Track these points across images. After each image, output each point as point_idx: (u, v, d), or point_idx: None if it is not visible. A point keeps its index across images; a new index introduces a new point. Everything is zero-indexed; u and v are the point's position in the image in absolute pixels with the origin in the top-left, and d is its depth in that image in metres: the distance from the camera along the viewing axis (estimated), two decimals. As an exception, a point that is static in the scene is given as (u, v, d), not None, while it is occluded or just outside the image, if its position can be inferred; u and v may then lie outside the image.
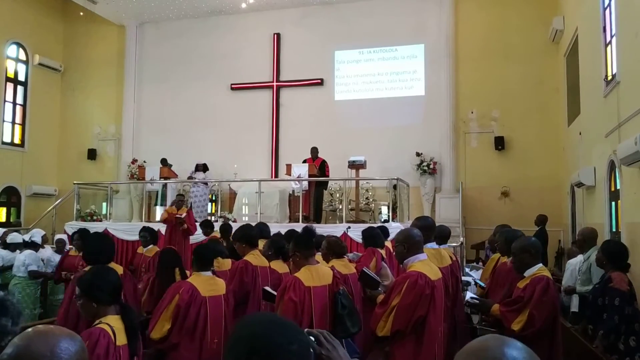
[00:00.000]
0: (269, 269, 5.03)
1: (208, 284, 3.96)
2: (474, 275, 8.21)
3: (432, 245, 4.69)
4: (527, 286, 3.72)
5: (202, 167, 13.01)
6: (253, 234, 5.20)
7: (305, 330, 1.47)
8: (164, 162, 13.09)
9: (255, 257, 4.96)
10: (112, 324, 2.63)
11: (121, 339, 2.63)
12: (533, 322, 3.58)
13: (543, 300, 3.61)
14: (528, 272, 3.80)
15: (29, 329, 1.45)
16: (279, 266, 5.16)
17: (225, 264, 5.57)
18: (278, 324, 1.30)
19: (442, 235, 5.65)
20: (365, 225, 7.67)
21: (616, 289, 4.39)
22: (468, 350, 1.28)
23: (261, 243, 5.58)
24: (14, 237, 8.08)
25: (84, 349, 1.47)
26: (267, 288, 4.47)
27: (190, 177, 12.92)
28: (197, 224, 9.63)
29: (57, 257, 7.76)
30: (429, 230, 4.53)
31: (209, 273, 4.05)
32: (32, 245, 7.61)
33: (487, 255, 9.47)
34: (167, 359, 3.86)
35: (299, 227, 7.59)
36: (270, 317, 1.36)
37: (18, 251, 7.73)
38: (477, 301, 4.33)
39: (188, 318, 3.73)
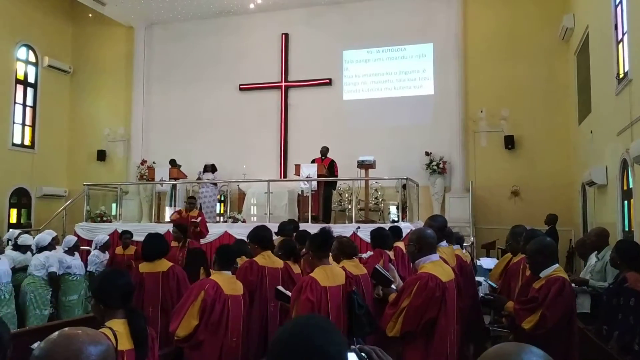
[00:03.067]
0: (287, 269, 5.01)
1: (229, 282, 4.08)
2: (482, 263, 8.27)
3: (443, 244, 4.68)
4: (543, 287, 3.67)
5: (211, 168, 13.04)
6: (266, 235, 5.13)
7: (358, 346, 1.49)
8: (173, 162, 13.12)
9: (264, 258, 4.94)
10: (116, 328, 2.63)
11: (124, 344, 2.61)
12: (545, 323, 3.54)
13: (557, 301, 3.57)
14: (544, 273, 3.75)
15: (55, 333, 1.45)
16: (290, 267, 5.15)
17: None
18: (321, 328, 1.33)
19: (451, 236, 5.55)
20: (376, 226, 7.63)
21: (631, 289, 4.33)
22: (486, 357, 1.27)
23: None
24: (25, 239, 8.11)
25: (110, 353, 1.47)
26: (280, 288, 4.46)
27: (199, 178, 12.95)
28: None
29: (68, 258, 7.78)
30: (441, 230, 4.54)
31: (229, 273, 4.17)
32: (43, 248, 7.71)
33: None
34: (187, 358, 3.90)
35: (308, 227, 7.59)
36: (314, 321, 1.38)
37: (29, 253, 7.76)
38: (492, 297, 4.27)
39: (213, 314, 3.83)
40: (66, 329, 1.48)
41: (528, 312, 3.65)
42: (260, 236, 5.10)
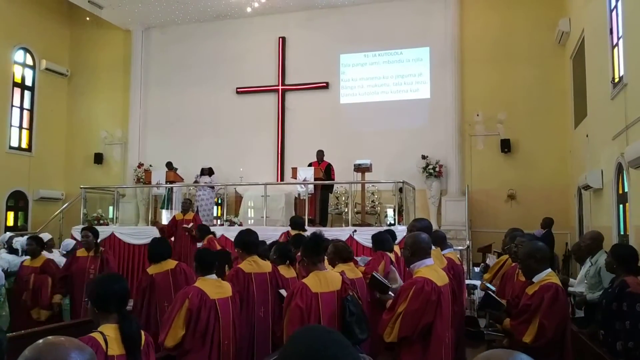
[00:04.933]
0: (276, 274, 5.00)
1: (215, 286, 4.00)
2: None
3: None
4: (535, 293, 3.66)
5: (208, 171, 13.05)
6: (250, 240, 5.04)
7: None
8: (169, 165, 13.11)
9: (250, 264, 4.87)
10: (107, 332, 2.63)
11: (115, 349, 2.61)
12: (544, 332, 3.52)
13: (553, 309, 3.55)
14: (537, 278, 3.74)
15: (40, 341, 1.46)
16: (285, 271, 5.14)
17: None
18: (333, 339, 1.25)
19: (439, 239, 5.50)
20: (373, 229, 7.66)
21: (636, 293, 4.21)
22: None
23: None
24: (20, 242, 8.08)
25: None
26: (282, 292, 4.46)
27: (196, 181, 12.95)
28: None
29: (64, 261, 7.76)
30: (426, 232, 4.57)
31: (214, 276, 4.09)
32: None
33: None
34: None
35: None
36: (325, 332, 1.30)
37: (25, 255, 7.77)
38: (501, 301, 4.22)
39: (200, 322, 3.77)
40: (50, 337, 1.50)
41: (524, 324, 3.63)
42: (245, 241, 5.00)
